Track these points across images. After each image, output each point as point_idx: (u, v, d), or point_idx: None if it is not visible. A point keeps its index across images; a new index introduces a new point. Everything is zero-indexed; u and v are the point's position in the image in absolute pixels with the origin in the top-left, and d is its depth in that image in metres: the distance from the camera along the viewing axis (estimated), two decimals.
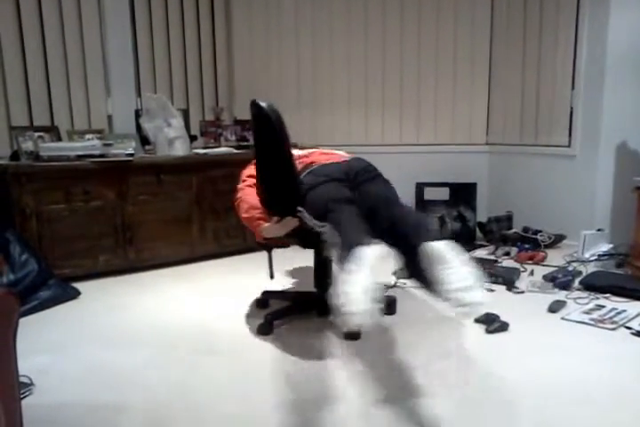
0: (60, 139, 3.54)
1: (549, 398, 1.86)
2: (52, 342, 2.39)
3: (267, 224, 2.33)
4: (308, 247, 2.52)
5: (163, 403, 1.86)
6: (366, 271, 1.69)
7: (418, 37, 4.47)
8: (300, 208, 2.17)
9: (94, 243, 3.25)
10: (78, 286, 3.05)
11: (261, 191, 2.38)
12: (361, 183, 2.22)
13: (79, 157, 3.23)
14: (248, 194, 2.48)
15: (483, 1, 4.37)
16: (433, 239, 1.79)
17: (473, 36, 4.43)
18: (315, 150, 2.65)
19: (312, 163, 2.41)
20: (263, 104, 2.21)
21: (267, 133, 2.24)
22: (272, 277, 2.70)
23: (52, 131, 3.53)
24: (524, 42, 4.18)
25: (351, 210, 2.06)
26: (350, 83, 4.55)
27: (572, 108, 3.87)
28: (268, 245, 2.61)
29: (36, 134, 3.38)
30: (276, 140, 2.23)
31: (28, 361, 2.13)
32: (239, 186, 2.57)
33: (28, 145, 3.29)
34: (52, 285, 2.88)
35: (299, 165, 2.39)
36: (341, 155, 2.55)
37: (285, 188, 2.28)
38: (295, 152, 2.57)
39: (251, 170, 2.56)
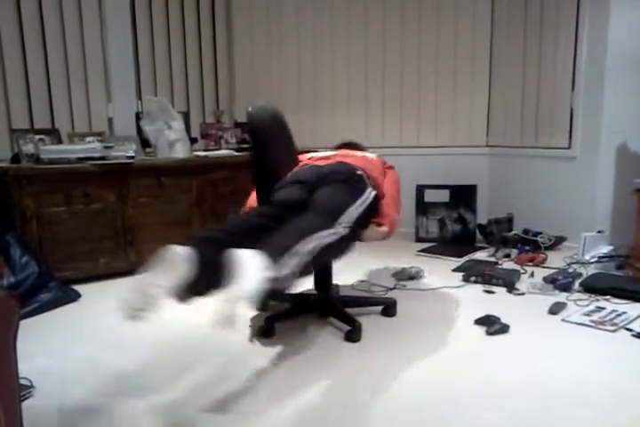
0: (60, 141, 3.55)
1: (549, 399, 1.86)
2: (52, 345, 2.39)
3: None
4: None
5: (163, 406, 1.86)
6: (160, 270, 1.67)
7: (418, 38, 4.47)
8: None
9: (95, 245, 3.26)
10: (79, 288, 3.05)
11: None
12: (319, 187, 2.21)
13: (80, 160, 3.23)
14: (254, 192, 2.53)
15: (483, 1, 4.38)
16: (256, 249, 1.72)
17: (473, 37, 4.43)
18: (343, 152, 2.65)
19: (306, 164, 2.44)
20: (250, 109, 2.30)
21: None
22: None
23: (53, 133, 3.54)
24: (524, 42, 4.18)
25: (255, 213, 2.09)
26: (350, 86, 4.56)
27: (572, 109, 3.87)
28: None
29: (37, 137, 3.39)
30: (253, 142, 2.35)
31: (29, 363, 2.13)
32: None
33: (28, 148, 3.30)
34: (52, 287, 2.88)
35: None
36: (358, 157, 2.54)
37: (263, 188, 2.35)
38: (320, 153, 2.60)
39: None
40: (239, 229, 1.98)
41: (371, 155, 2.63)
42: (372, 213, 2.28)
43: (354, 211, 2.10)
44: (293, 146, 2.64)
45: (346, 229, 2.02)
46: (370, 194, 2.24)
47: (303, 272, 1.83)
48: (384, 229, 2.28)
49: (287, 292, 1.80)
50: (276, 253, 1.73)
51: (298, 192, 2.20)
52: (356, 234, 2.15)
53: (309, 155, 2.60)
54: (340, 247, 2.04)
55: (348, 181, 2.24)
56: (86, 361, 2.22)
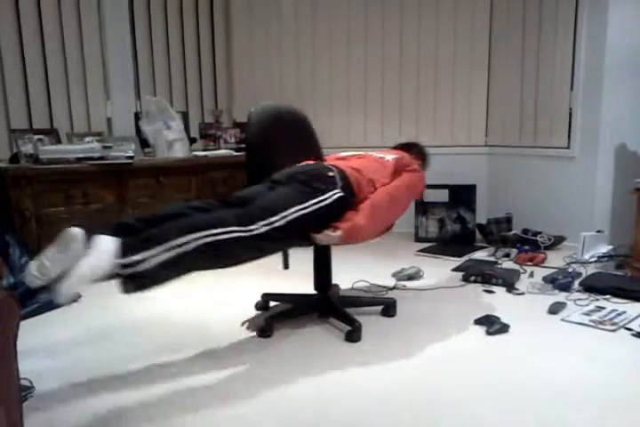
0: (59, 141, 3.55)
1: (550, 399, 1.86)
2: (52, 345, 2.39)
3: None
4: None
5: (164, 405, 1.86)
6: (56, 248, 1.78)
7: (417, 38, 4.47)
8: None
9: None
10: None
11: None
12: (282, 185, 2.22)
13: (79, 160, 3.23)
14: None
15: (482, 3, 4.38)
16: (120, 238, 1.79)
17: (472, 36, 4.43)
18: (366, 152, 2.64)
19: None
20: (252, 109, 2.38)
21: None
22: (287, 267, 2.69)
23: (52, 133, 3.54)
24: (522, 43, 4.18)
25: (187, 205, 2.08)
26: (349, 85, 4.56)
27: (571, 109, 3.87)
28: None
29: (36, 137, 3.39)
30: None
31: (29, 364, 2.13)
32: None
33: (27, 148, 3.30)
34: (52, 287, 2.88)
35: None
36: (366, 158, 2.54)
37: None
38: (342, 154, 2.64)
39: None
40: (153, 218, 1.97)
41: (390, 156, 2.56)
42: (335, 215, 2.19)
43: (294, 211, 2.06)
44: (307, 145, 2.63)
45: (266, 228, 1.97)
46: (332, 196, 2.17)
47: (178, 265, 1.84)
48: (336, 234, 2.12)
49: (157, 281, 1.84)
50: (139, 242, 1.80)
51: (259, 190, 2.21)
52: (287, 235, 2.06)
53: (338, 155, 2.63)
54: (251, 246, 1.98)
55: (308, 181, 2.18)
56: (86, 361, 2.22)
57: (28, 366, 2.09)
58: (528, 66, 4.17)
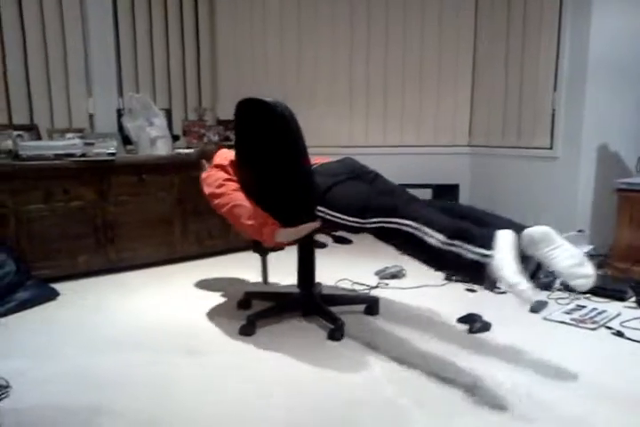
0: (39, 137, 3.50)
1: (532, 396, 1.86)
2: (30, 344, 2.35)
3: (282, 229, 2.27)
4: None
5: (143, 405, 1.84)
6: (509, 252, 1.83)
7: (403, 39, 4.48)
8: (320, 208, 2.21)
9: (74, 243, 3.21)
10: (57, 286, 3.00)
11: (262, 197, 2.35)
12: (373, 180, 2.37)
13: (60, 157, 3.18)
14: (241, 199, 2.36)
15: (466, 4, 4.40)
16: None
17: (457, 39, 4.46)
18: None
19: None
20: (274, 102, 2.25)
21: (279, 134, 2.28)
22: (266, 282, 2.70)
23: (32, 129, 3.49)
24: (506, 45, 4.20)
25: (420, 203, 2.15)
26: (335, 84, 4.55)
27: (554, 110, 3.90)
28: (263, 250, 2.59)
29: (16, 133, 3.33)
30: (293, 141, 2.28)
31: (5, 363, 2.10)
32: (220, 190, 2.41)
33: (7, 144, 3.24)
34: (30, 285, 2.83)
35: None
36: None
37: (298, 191, 2.29)
38: None
39: (225, 174, 2.49)
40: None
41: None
42: None
43: None
44: None
45: None
46: None
47: None
48: None
49: None
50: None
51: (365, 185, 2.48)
52: None
53: None
54: None
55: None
56: (65, 361, 2.18)
57: (5, 366, 2.06)
58: (512, 67, 4.19)
